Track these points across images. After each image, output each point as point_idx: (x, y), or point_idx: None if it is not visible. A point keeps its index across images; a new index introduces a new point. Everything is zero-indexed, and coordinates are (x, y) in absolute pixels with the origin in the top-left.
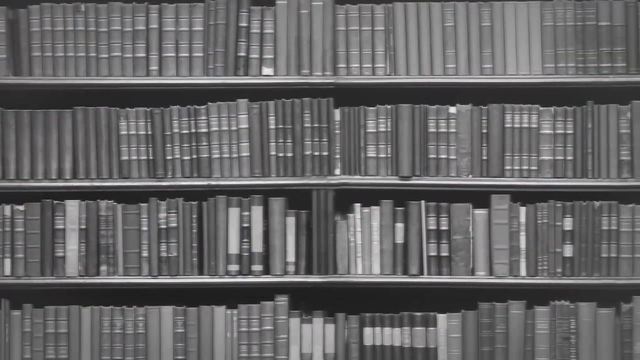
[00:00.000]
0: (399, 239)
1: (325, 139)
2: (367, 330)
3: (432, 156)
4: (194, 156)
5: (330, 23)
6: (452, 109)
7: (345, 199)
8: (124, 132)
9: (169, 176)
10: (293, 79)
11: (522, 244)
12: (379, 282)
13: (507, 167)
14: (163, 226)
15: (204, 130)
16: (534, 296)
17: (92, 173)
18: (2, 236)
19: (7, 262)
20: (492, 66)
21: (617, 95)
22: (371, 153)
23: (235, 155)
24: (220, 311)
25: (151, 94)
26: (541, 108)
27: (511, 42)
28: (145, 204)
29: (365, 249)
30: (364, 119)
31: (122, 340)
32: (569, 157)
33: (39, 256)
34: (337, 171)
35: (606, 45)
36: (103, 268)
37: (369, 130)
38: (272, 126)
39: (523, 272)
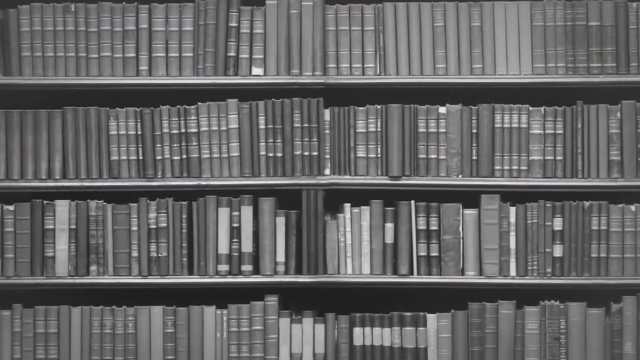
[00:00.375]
0: (389, 239)
1: (315, 139)
2: (357, 330)
3: (422, 156)
4: (184, 156)
5: (320, 23)
6: (442, 109)
7: (335, 199)
8: (113, 132)
9: (159, 176)
10: (283, 79)
11: (512, 244)
12: (368, 282)
13: (497, 167)
14: (153, 226)
15: (193, 130)
16: (523, 296)
17: (82, 173)
18: None
19: None
20: (482, 66)
21: (607, 95)
22: (361, 153)
23: (225, 155)
24: (210, 311)
25: (141, 94)
26: (531, 108)
27: (501, 42)
28: (135, 204)
29: (355, 249)
30: (354, 119)
31: (112, 340)
32: (559, 157)
33: (29, 256)
34: (327, 171)
35: (596, 45)
36: (93, 268)
37: (359, 130)
38: (262, 126)
39: (513, 272)
